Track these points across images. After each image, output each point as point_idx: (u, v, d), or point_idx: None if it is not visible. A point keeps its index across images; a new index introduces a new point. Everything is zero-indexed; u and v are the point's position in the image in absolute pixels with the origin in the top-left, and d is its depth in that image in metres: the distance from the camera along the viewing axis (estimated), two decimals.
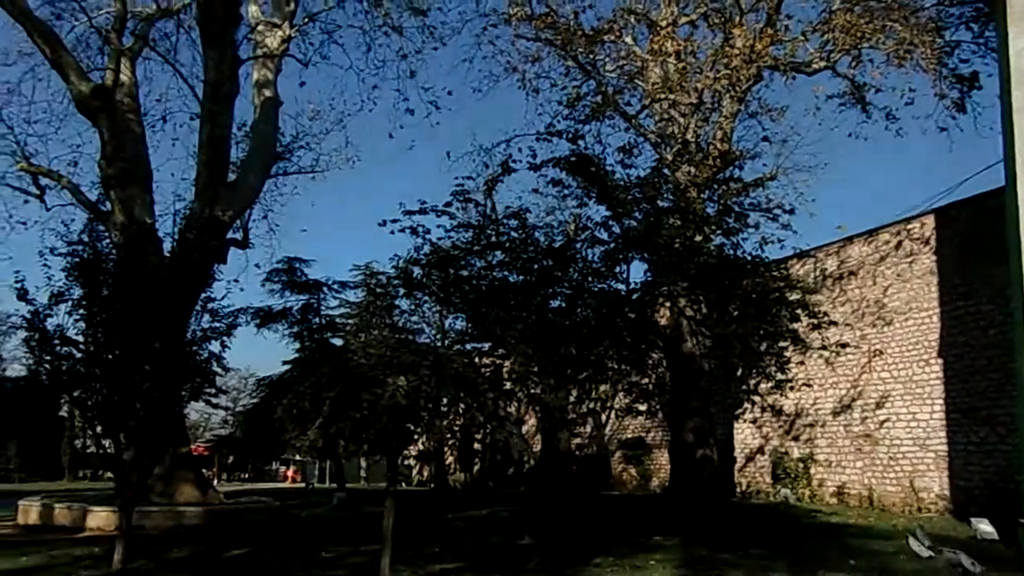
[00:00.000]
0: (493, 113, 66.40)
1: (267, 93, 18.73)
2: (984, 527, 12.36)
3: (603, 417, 27.47)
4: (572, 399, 10.41)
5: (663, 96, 18.14)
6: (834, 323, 14.21)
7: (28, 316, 9.00)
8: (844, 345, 14.86)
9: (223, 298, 10.38)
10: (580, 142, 12.84)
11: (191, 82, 19.28)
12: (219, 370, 10.22)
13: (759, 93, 20.22)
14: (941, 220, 17.38)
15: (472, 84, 36.27)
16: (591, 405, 11.13)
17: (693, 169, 16.31)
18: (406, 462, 39.50)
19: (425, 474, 36.75)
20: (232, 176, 18.07)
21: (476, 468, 34.70)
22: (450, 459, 35.14)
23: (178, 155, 72.26)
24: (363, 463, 39.51)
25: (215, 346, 10.02)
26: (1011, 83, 11.49)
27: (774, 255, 17.47)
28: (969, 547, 11.06)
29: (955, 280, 16.75)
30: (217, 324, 10.02)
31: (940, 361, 16.88)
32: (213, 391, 10.22)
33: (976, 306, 16.19)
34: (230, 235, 20.08)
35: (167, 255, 10.78)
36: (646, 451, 26.58)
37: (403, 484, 37.45)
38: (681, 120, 18.17)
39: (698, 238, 12.13)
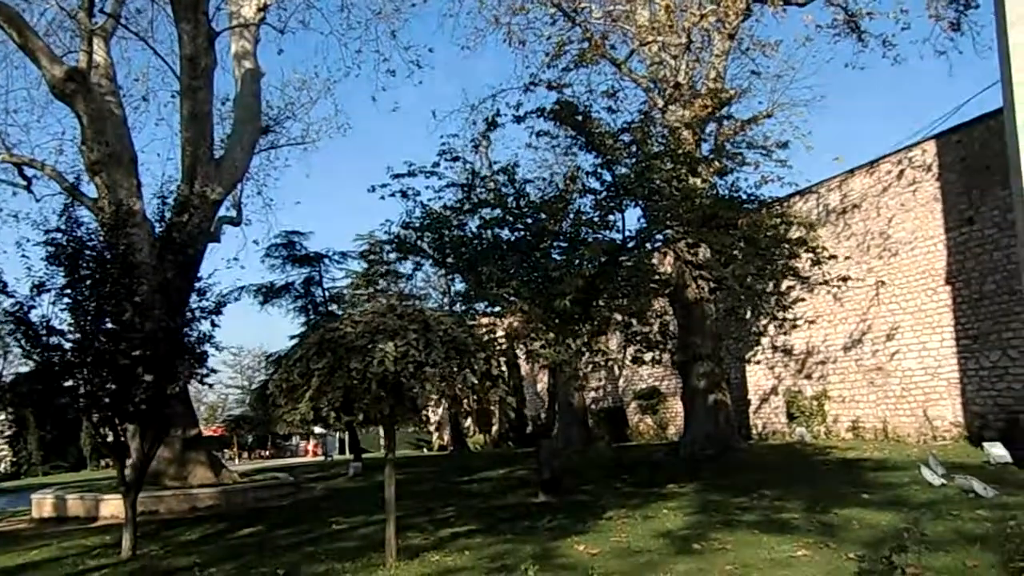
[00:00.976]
0: (483, 70, 65.33)
1: (247, 64, 18.31)
2: (997, 451, 12.26)
3: (616, 369, 27.71)
4: (573, 353, 10.25)
5: (652, 39, 17.65)
6: (834, 257, 13.96)
7: (11, 309, 8.85)
8: (846, 279, 14.66)
9: (210, 276, 10.24)
10: (567, 91, 12.58)
11: (168, 59, 18.94)
12: (211, 349, 10.10)
13: (751, 29, 19.65)
14: (942, 146, 17.02)
15: (459, 42, 35.48)
16: (595, 358, 10.98)
17: (686, 112, 15.93)
18: (426, 428, 39.88)
19: (445, 439, 37.02)
20: (220, 152, 17.75)
21: (495, 429, 34.89)
22: (468, 422, 35.40)
23: (163, 135, 71.64)
24: (382, 432, 39.83)
25: (205, 325, 9.90)
26: None
27: (776, 193, 17.23)
28: (982, 472, 10.95)
29: (959, 206, 16.46)
30: (205, 303, 9.88)
31: (948, 289, 16.68)
32: (205, 371, 10.07)
33: (981, 230, 15.92)
34: (222, 213, 19.89)
35: (156, 237, 10.53)
36: (661, 400, 26.65)
37: (424, 450, 37.85)
38: (672, 62, 17.71)
39: (693, 180, 11.85)
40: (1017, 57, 10.76)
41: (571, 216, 11.12)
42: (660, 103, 16.76)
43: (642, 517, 9.91)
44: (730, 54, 18.50)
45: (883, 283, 18.20)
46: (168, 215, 10.31)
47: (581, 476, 15.16)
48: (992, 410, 15.57)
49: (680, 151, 11.97)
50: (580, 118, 10.89)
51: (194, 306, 9.90)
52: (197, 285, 10.02)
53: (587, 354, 10.18)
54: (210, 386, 11.10)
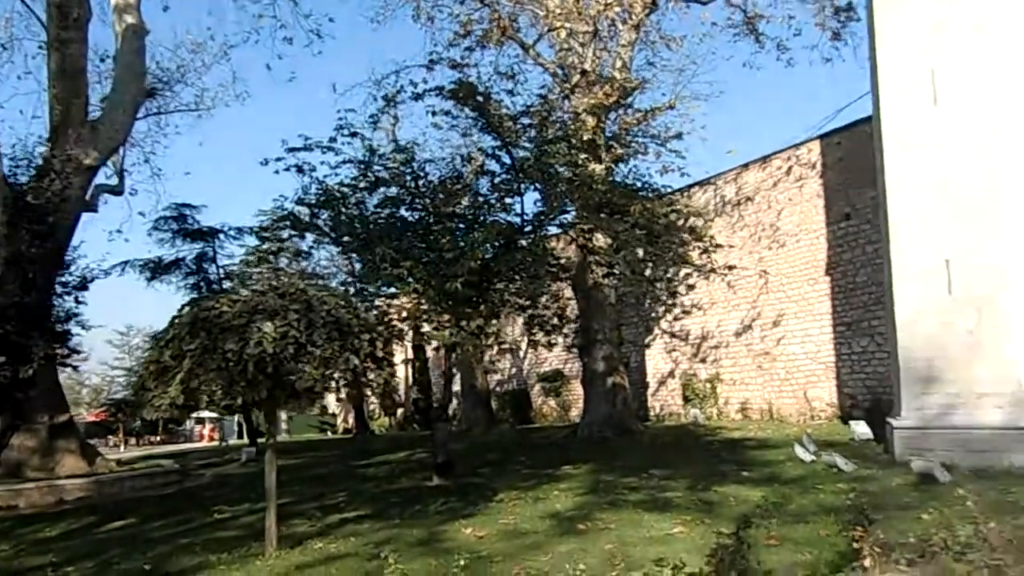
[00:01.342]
0: (391, 46, 63.92)
1: (129, 19, 16.97)
2: (860, 429, 13.14)
3: (521, 352, 27.91)
4: (467, 335, 10.20)
5: (560, 24, 17.73)
6: (720, 246, 14.43)
7: None
8: (731, 267, 15.22)
9: (76, 249, 9.53)
10: (472, 71, 12.46)
11: (35, 6, 17.46)
12: (76, 328, 9.39)
13: (657, 23, 20.07)
14: (825, 146, 18.01)
15: (367, 15, 34.56)
16: (490, 341, 10.99)
17: (591, 99, 16.09)
18: (330, 411, 39.15)
19: (350, 422, 36.42)
20: (97, 113, 16.42)
21: (400, 412, 34.60)
22: (374, 405, 34.99)
23: (30, 90, 65.81)
24: (283, 415, 38.89)
25: (69, 302, 9.19)
26: (874, 13, 11.70)
27: (677, 183, 17.75)
28: (847, 448, 11.73)
29: (838, 202, 17.48)
30: (69, 278, 9.16)
31: (827, 279, 17.67)
32: (67, 352, 9.33)
33: (857, 226, 16.97)
34: (101, 180, 18.59)
35: (15, 203, 9.53)
36: (564, 382, 26.95)
37: (328, 433, 37.15)
38: (580, 49, 17.86)
39: (592, 167, 11.98)
40: (885, 70, 11.41)
41: (469, 197, 11.05)
42: (567, 88, 16.87)
43: (533, 499, 10.00)
44: (636, 45, 18.83)
45: (766, 272, 19.08)
46: (25, 179, 9.40)
47: (480, 458, 15.20)
48: (861, 391, 16.67)
49: (579, 137, 12.06)
50: (480, 99, 10.79)
51: (57, 281, 9.15)
52: (65, 258, 9.31)
53: (481, 337, 10.16)
54: (74, 368, 10.34)
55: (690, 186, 20.86)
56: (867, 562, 4.84)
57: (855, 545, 5.06)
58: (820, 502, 8.17)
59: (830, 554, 5.80)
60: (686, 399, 21.37)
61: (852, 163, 16.94)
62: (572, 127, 12.28)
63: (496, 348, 17.31)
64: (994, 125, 10.35)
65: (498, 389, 29.68)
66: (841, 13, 18.36)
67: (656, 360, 22.94)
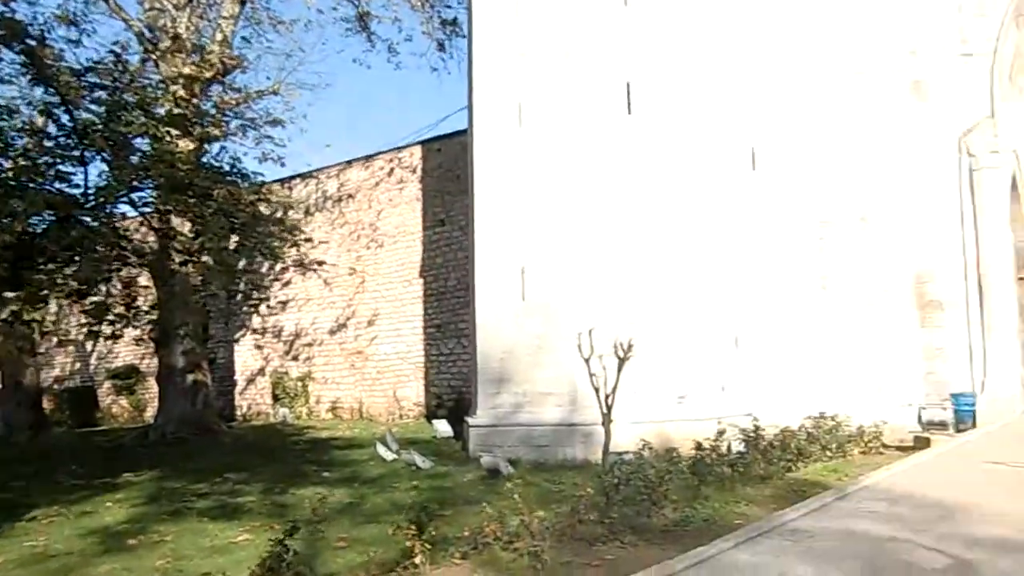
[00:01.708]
0: None
1: None
2: (442, 427, 13.99)
3: (88, 345, 24.31)
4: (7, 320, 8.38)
5: None
6: (310, 240, 14.21)
7: None
8: (321, 262, 15.11)
9: None
10: (27, 8, 10.34)
11: None
12: None
13: (267, 2, 19.16)
14: (426, 152, 18.95)
15: None
16: (33, 331, 9.20)
17: (185, 68, 14.60)
18: None
19: None
20: None
21: None
22: None
23: None
24: None
25: None
26: (473, 34, 12.69)
27: (278, 174, 16.97)
28: (429, 446, 12.39)
29: (435, 208, 18.50)
30: None
31: (421, 281, 18.58)
32: None
33: (450, 232, 18.11)
34: None
35: None
36: (140, 379, 24.36)
37: None
38: (174, 12, 16.14)
39: (180, 143, 10.83)
40: (479, 88, 12.41)
41: (12, 159, 9.10)
42: (154, 53, 15.08)
43: (78, 514, 8.84)
44: (240, 20, 17.71)
45: (354, 270, 19.47)
46: None
47: (18, 469, 12.86)
48: (446, 391, 17.78)
49: (168, 109, 10.83)
50: (32, 42, 8.95)
51: None
52: None
53: (18, 325, 8.41)
54: None
55: (292, 177, 20.46)
56: (418, 559, 5.00)
57: (408, 544, 5.20)
58: (394, 500, 8.42)
59: (394, 553, 5.91)
60: (276, 398, 20.77)
61: (450, 171, 18.00)
62: (154, 95, 10.93)
63: (55, 339, 14.79)
64: (564, 148, 11.64)
65: (56, 387, 25.62)
66: (447, 26, 19.56)
67: (246, 357, 21.89)
